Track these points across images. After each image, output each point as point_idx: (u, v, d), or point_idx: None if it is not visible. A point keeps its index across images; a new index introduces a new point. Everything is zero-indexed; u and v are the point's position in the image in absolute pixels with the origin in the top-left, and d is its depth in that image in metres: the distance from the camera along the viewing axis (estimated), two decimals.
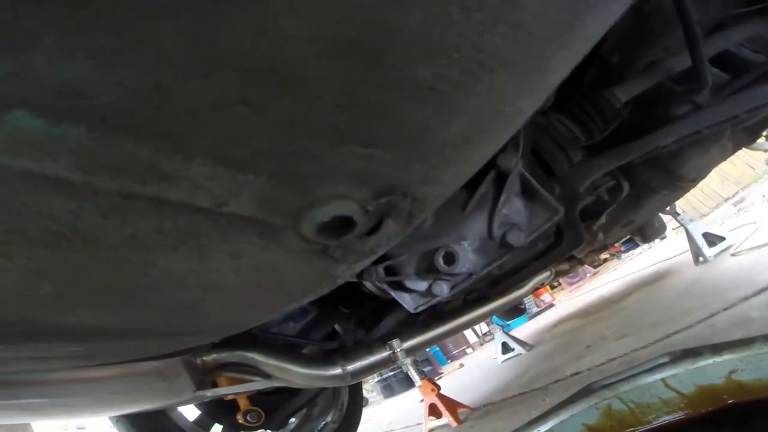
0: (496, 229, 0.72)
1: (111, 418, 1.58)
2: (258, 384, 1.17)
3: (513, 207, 0.73)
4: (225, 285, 0.38)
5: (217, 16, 0.21)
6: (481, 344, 8.43)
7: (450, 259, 0.72)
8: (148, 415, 1.59)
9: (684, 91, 0.85)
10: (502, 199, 0.69)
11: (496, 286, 1.10)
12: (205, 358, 1.08)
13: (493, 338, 4.43)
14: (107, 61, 0.22)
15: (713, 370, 0.76)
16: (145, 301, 0.39)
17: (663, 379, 0.81)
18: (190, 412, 1.73)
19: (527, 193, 0.74)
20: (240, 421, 1.51)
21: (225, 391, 1.18)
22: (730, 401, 0.74)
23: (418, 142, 0.32)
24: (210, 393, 1.14)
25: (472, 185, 0.72)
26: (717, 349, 0.77)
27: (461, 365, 6.35)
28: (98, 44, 0.21)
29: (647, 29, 0.87)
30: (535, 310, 6.88)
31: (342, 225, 0.35)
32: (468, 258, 0.73)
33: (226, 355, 1.09)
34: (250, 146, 0.27)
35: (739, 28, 0.88)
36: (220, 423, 1.72)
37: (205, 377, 1.10)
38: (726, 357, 0.75)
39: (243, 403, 1.51)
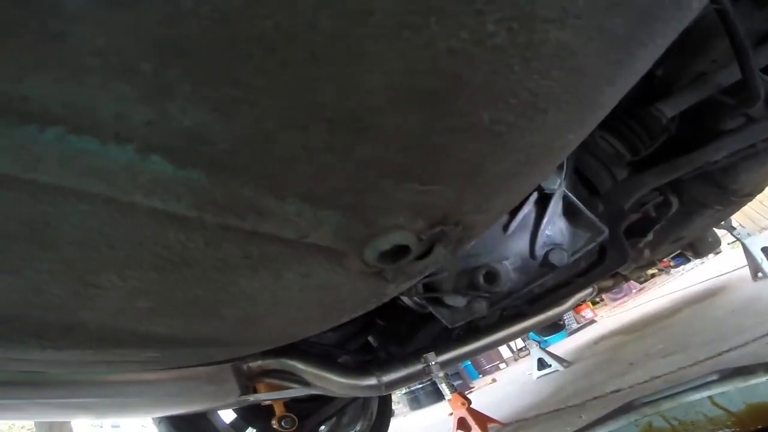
0: (539, 249, 0.72)
1: (153, 419, 1.66)
2: (296, 391, 1.21)
3: (556, 227, 0.73)
4: (291, 301, 0.42)
5: (314, 74, 0.25)
6: (516, 359, 8.14)
7: (491, 277, 0.73)
8: (189, 416, 1.66)
9: (735, 103, 0.82)
10: (545, 220, 0.70)
11: (535, 303, 1.09)
12: (251, 365, 1.12)
13: (528, 353, 4.28)
14: (227, 111, 0.25)
15: (766, 388, 0.72)
16: (220, 315, 0.43)
17: (710, 397, 0.77)
18: (226, 416, 1.80)
19: (570, 213, 0.74)
20: (275, 426, 1.55)
21: (266, 396, 1.22)
22: None
23: (473, 177, 0.34)
24: (252, 398, 1.19)
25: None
26: None
27: (494, 380, 6.16)
28: (221, 96, 0.25)
29: (692, 41, 0.84)
30: (575, 326, 6.58)
31: (399, 251, 0.37)
32: (509, 277, 0.74)
33: (270, 362, 1.14)
34: (331, 186, 0.31)
35: None
36: (253, 427, 1.77)
37: (249, 383, 1.15)
38: None
39: (279, 409, 1.55)
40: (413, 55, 0.25)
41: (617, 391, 2.03)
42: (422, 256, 0.42)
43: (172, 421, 1.65)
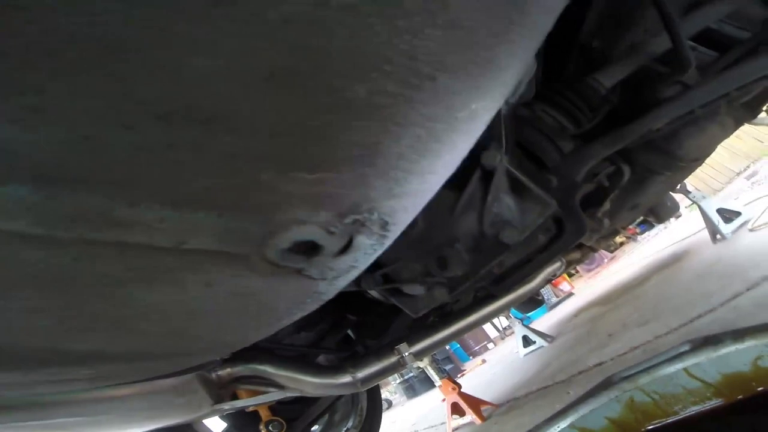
0: (488, 228, 0.71)
1: None
2: (274, 395, 1.19)
3: (503, 204, 0.72)
4: (206, 310, 0.39)
5: (125, 66, 0.22)
6: (503, 338, 8.33)
7: (443, 263, 0.72)
8: (174, 429, 1.63)
9: (669, 72, 0.83)
10: (489, 197, 0.69)
11: (502, 283, 1.09)
12: (219, 373, 1.10)
13: (513, 332, 4.37)
14: (31, 122, 0.23)
15: (737, 357, 0.73)
16: (135, 328, 0.40)
17: (685, 369, 0.78)
18: (217, 426, 1.77)
19: (516, 189, 0.73)
20: None
21: (242, 403, 1.20)
22: (760, 389, 0.71)
23: (371, 159, 0.32)
24: (228, 406, 1.17)
25: (459, 186, 0.71)
26: (738, 335, 0.74)
27: (483, 361, 6.29)
28: (19, 106, 0.22)
29: (625, 12, 0.85)
30: (554, 300, 6.77)
31: (307, 248, 0.35)
32: (462, 259, 0.73)
33: (238, 369, 1.11)
34: (192, 186, 0.28)
35: (716, 5, 0.85)
36: None
37: (222, 391, 1.13)
38: (749, 344, 0.73)
39: (264, 414, 1.53)
40: (241, 30, 0.22)
41: (600, 364, 2.10)
42: (343, 250, 0.40)
43: None
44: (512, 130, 0.76)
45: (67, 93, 0.22)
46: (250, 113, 0.26)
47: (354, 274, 0.47)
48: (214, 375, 1.08)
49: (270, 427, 1.54)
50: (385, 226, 0.39)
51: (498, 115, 0.64)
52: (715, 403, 0.75)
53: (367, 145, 0.30)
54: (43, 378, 0.48)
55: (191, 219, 0.29)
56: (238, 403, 1.20)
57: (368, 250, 0.42)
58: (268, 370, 1.14)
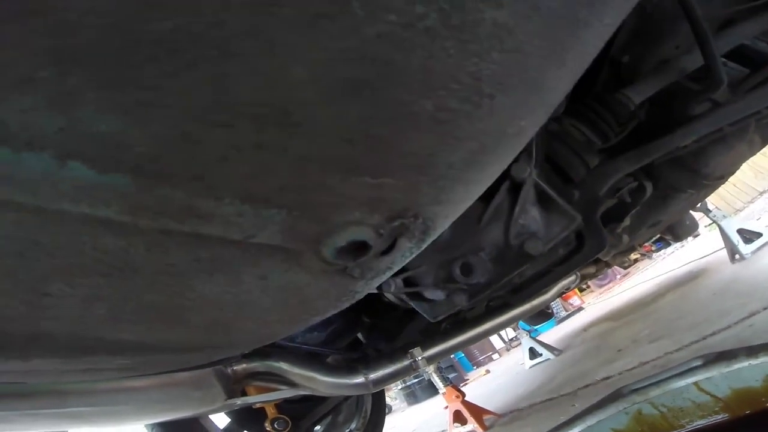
0: (513, 239, 0.72)
1: (146, 426, 1.65)
2: (285, 392, 1.21)
3: (529, 216, 0.73)
4: (255, 304, 0.41)
5: (226, 70, 0.24)
6: (508, 350, 8.25)
7: (467, 269, 0.73)
8: (181, 422, 1.66)
9: (701, 89, 0.83)
10: (517, 209, 0.70)
11: (519, 293, 1.09)
12: (235, 368, 1.12)
13: (520, 343, 4.33)
14: (140, 115, 0.25)
15: (750, 372, 0.73)
16: (185, 320, 0.42)
17: (696, 383, 0.78)
18: (220, 420, 1.79)
19: (543, 201, 0.74)
20: (268, 429, 1.55)
21: (253, 399, 1.22)
22: None
23: (425, 168, 0.34)
24: (240, 401, 1.18)
25: (487, 196, 0.73)
26: (753, 351, 0.74)
27: (487, 371, 6.24)
28: (130, 100, 0.24)
29: (655, 28, 0.85)
30: (563, 314, 6.69)
31: (358, 247, 0.37)
32: (486, 268, 0.74)
33: (255, 365, 1.13)
34: (271, 184, 0.30)
35: (751, 22, 0.85)
36: (247, 430, 1.76)
37: (235, 386, 1.15)
38: (763, 359, 0.73)
39: (270, 411, 1.54)
40: (336, 44, 0.25)
41: (607, 378, 2.07)
42: (386, 251, 0.41)
43: (164, 427, 1.64)
44: (542, 143, 0.78)
45: (180, 91, 0.24)
46: (331, 120, 0.28)
47: (388, 275, 0.48)
48: (230, 370, 1.10)
49: (276, 425, 1.55)
50: (425, 230, 0.41)
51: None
52: (721, 417, 0.75)
53: (424, 155, 0.32)
54: (80, 367, 0.50)
55: (264, 215, 0.31)
56: (249, 399, 1.21)
57: (406, 252, 0.43)
58: (284, 367, 1.16)
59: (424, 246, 0.45)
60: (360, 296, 0.52)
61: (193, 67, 0.24)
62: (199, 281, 0.35)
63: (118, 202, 0.28)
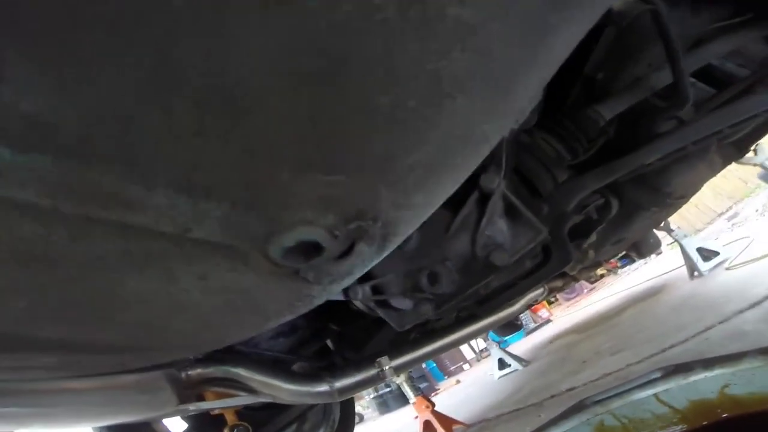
0: (480, 250, 0.72)
1: (93, 429, 1.55)
2: (243, 399, 1.16)
3: (496, 228, 0.73)
4: (194, 305, 0.38)
5: (173, 50, 0.22)
6: (478, 360, 8.33)
7: (433, 279, 0.72)
8: (131, 427, 1.57)
9: (667, 107, 0.85)
10: (484, 220, 0.70)
11: (486, 304, 1.09)
12: (189, 373, 1.06)
13: (489, 354, 4.38)
14: (69, 94, 0.23)
15: (706, 384, 0.76)
16: (114, 318, 0.39)
17: (655, 395, 0.80)
18: (178, 426, 1.70)
19: (511, 213, 0.74)
20: None
21: (209, 405, 1.16)
22: (724, 415, 0.73)
23: (383, 168, 0.32)
24: (193, 407, 1.13)
25: (455, 206, 0.72)
26: (708, 363, 0.77)
27: (458, 381, 6.27)
28: (59, 78, 0.22)
29: (630, 45, 0.87)
30: (532, 325, 6.83)
31: (309, 249, 0.35)
32: (452, 278, 0.73)
33: (210, 370, 1.08)
34: (211, 175, 0.28)
35: (721, 42, 0.88)
36: None
37: (189, 391, 1.09)
38: (717, 371, 0.75)
39: (230, 418, 1.48)
40: (288, 31, 0.23)
41: (572, 389, 2.11)
42: (343, 255, 0.39)
43: (112, 431, 1.54)
44: (512, 155, 0.78)
45: (117, 70, 0.22)
46: (281, 111, 0.26)
47: (348, 281, 0.46)
48: (183, 374, 1.04)
49: None
50: (386, 236, 0.39)
51: (501, 139, 0.65)
52: (680, 428, 0.77)
53: (382, 154, 0.31)
54: (2, 364, 0.45)
55: (203, 208, 0.29)
56: (205, 405, 1.16)
57: (366, 258, 0.41)
58: (242, 373, 1.11)
59: (386, 252, 0.43)
60: (318, 301, 0.50)
61: (134, 46, 0.22)
62: (129, 277, 0.32)
63: (36, 184, 0.25)
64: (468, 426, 2.66)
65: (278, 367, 1.19)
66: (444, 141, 0.32)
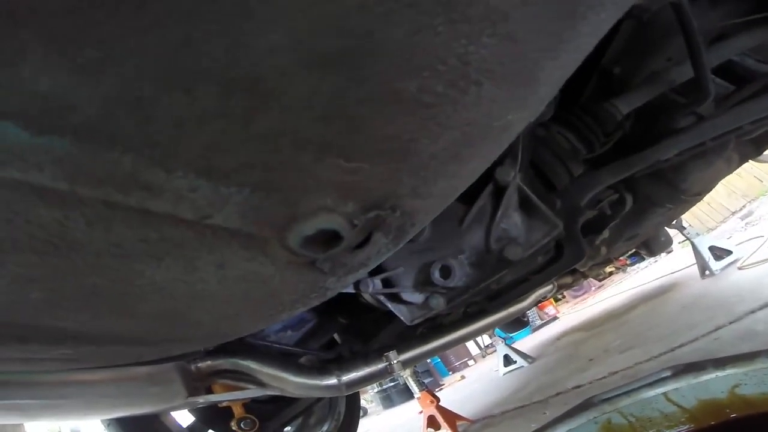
0: (494, 244, 0.71)
1: (102, 421, 1.58)
2: (252, 392, 1.16)
3: (511, 221, 0.72)
4: (211, 295, 0.37)
5: (197, 31, 0.22)
6: (483, 356, 8.33)
7: (446, 272, 0.71)
8: (140, 419, 1.59)
9: (687, 102, 0.84)
10: (499, 213, 0.68)
11: (496, 300, 1.09)
12: (199, 365, 1.07)
13: (495, 350, 4.37)
14: (90, 75, 0.22)
15: (716, 384, 0.75)
16: (132, 308, 0.39)
17: (664, 394, 0.79)
18: (184, 418, 1.72)
19: (525, 207, 0.73)
20: (234, 429, 1.50)
21: (218, 398, 1.17)
22: (733, 415, 0.73)
23: (406, 156, 0.31)
24: (202, 399, 1.13)
25: (470, 199, 0.71)
26: (720, 363, 0.76)
27: (462, 377, 6.28)
28: (82, 58, 0.22)
29: (649, 39, 0.85)
30: (538, 322, 6.80)
31: (328, 238, 0.34)
32: (465, 272, 0.72)
33: (220, 362, 1.08)
34: (233, 159, 0.27)
35: (743, 37, 0.86)
36: (213, 430, 1.71)
37: (199, 383, 1.10)
38: (729, 371, 0.74)
39: (237, 411, 1.49)
40: (315, 11, 0.22)
41: (578, 387, 2.10)
42: (360, 245, 0.39)
43: (121, 423, 1.57)
44: (528, 148, 0.77)
45: (140, 50, 0.22)
46: (305, 93, 0.25)
47: (362, 272, 0.46)
48: (193, 366, 1.05)
49: (242, 425, 1.50)
50: (403, 225, 0.38)
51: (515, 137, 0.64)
52: (687, 428, 0.76)
53: (405, 140, 0.30)
54: (13, 356, 0.46)
55: (223, 192, 0.28)
56: (213, 398, 1.16)
57: (382, 248, 0.41)
58: (251, 366, 1.11)
59: (402, 243, 0.43)
60: (332, 294, 0.49)
61: (158, 25, 0.21)
62: (148, 265, 0.31)
63: (54, 167, 0.25)
64: (472, 422, 2.66)
65: (286, 359, 1.19)
66: (467, 129, 0.31)
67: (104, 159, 0.25)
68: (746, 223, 5.02)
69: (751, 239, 3.42)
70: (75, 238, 0.29)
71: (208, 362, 1.06)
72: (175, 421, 1.72)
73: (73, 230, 0.28)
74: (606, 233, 1.14)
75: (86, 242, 0.29)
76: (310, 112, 0.26)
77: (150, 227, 0.29)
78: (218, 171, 0.27)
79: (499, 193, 0.69)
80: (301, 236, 0.32)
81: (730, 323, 1.77)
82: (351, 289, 0.88)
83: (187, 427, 1.72)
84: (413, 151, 0.31)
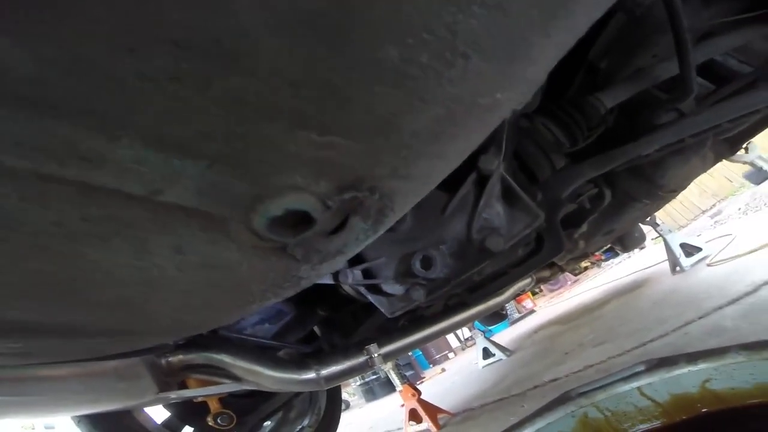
0: (475, 234, 0.69)
1: (73, 418, 1.51)
2: (227, 387, 1.13)
3: (493, 211, 0.70)
4: (170, 282, 0.34)
5: None
6: (463, 349, 8.46)
7: (427, 263, 0.69)
8: (111, 415, 1.53)
9: (669, 98, 0.84)
10: (482, 202, 0.67)
11: (476, 292, 1.08)
12: (170, 359, 1.02)
13: (474, 343, 4.44)
14: (23, 35, 0.20)
15: (688, 379, 0.76)
16: (81, 296, 0.35)
17: (638, 388, 0.80)
18: (159, 414, 1.67)
19: (508, 197, 0.72)
20: (210, 424, 1.46)
21: (191, 393, 1.13)
22: (704, 410, 0.74)
23: (385, 131, 0.28)
24: (174, 395, 1.09)
25: (452, 187, 0.70)
26: (692, 358, 0.77)
27: (443, 370, 6.36)
28: (12, 17, 0.19)
29: (637, 35, 0.86)
30: (516, 315, 6.95)
31: (298, 221, 0.31)
32: (446, 262, 0.71)
33: (192, 357, 1.04)
34: (187, 128, 0.24)
35: (729, 36, 0.88)
36: (190, 425, 1.66)
37: (170, 378, 1.05)
38: (701, 366, 0.75)
39: (213, 406, 1.45)
40: None
41: (555, 380, 2.15)
42: (336, 230, 0.36)
43: (91, 420, 1.50)
44: (512, 138, 0.75)
45: (70, 6, 0.19)
46: (274, 55, 0.22)
47: (339, 261, 0.43)
48: (163, 361, 1.01)
49: (219, 420, 1.46)
50: (382, 209, 0.36)
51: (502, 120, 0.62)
52: (660, 422, 0.78)
53: (385, 114, 0.27)
54: None
55: (176, 165, 0.25)
56: (186, 393, 1.12)
57: (360, 235, 0.38)
58: (225, 360, 1.07)
59: (382, 230, 0.40)
60: (307, 283, 0.46)
61: None
62: (93, 247, 0.28)
63: None
64: (453, 415, 2.69)
65: (263, 353, 1.16)
66: (452, 106, 0.29)
67: (37, 126, 0.22)
68: (715, 222, 5.24)
69: (720, 237, 3.57)
70: (8, 215, 0.25)
71: (180, 356, 1.02)
72: (149, 416, 1.66)
73: (5, 206, 0.24)
74: (585, 227, 1.15)
75: (19, 219, 0.25)
76: (279, 78, 0.23)
77: (92, 203, 0.25)
78: (170, 141, 0.24)
79: (482, 182, 0.67)
80: (267, 217, 0.29)
81: (699, 318, 1.83)
82: (330, 280, 0.86)
83: (162, 423, 1.67)
84: (394, 126, 0.28)
